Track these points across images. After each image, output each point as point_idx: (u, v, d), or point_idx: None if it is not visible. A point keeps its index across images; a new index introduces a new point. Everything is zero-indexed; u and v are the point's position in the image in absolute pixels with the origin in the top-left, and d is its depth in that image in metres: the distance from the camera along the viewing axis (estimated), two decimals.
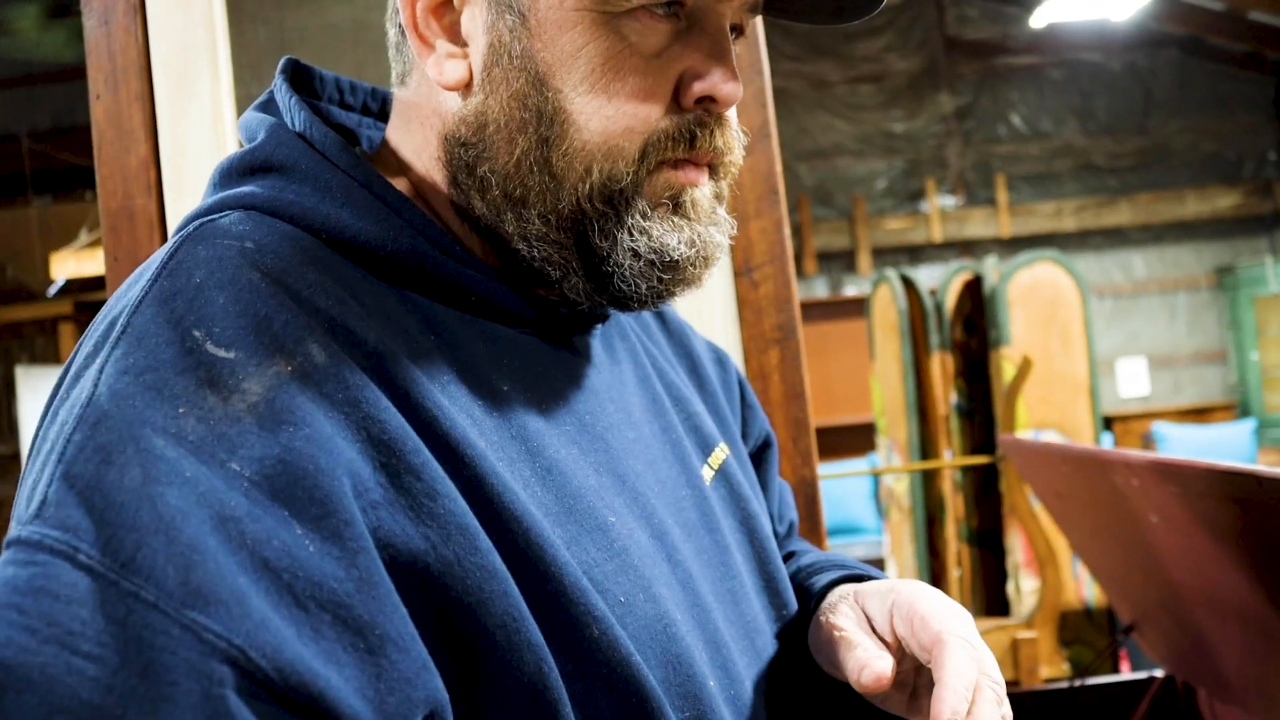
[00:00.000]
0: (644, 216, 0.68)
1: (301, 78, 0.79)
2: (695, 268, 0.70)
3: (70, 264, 7.00)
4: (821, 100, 8.71)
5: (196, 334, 0.57)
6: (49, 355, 7.92)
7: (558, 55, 0.66)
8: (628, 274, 0.69)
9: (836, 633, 0.74)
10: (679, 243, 0.68)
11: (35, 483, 0.55)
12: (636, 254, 0.68)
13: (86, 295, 7.78)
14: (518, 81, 0.67)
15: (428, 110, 0.72)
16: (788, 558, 0.95)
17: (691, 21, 0.68)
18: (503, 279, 0.71)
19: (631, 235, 0.68)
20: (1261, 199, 8.75)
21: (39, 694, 0.47)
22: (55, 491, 0.52)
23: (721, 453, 0.84)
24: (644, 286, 0.69)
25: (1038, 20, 7.65)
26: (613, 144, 0.66)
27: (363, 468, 0.56)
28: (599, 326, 0.79)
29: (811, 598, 0.81)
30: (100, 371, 0.57)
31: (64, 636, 0.48)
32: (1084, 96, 8.87)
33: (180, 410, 0.54)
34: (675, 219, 0.69)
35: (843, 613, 0.75)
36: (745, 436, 0.96)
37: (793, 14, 0.76)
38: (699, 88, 0.67)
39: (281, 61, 0.76)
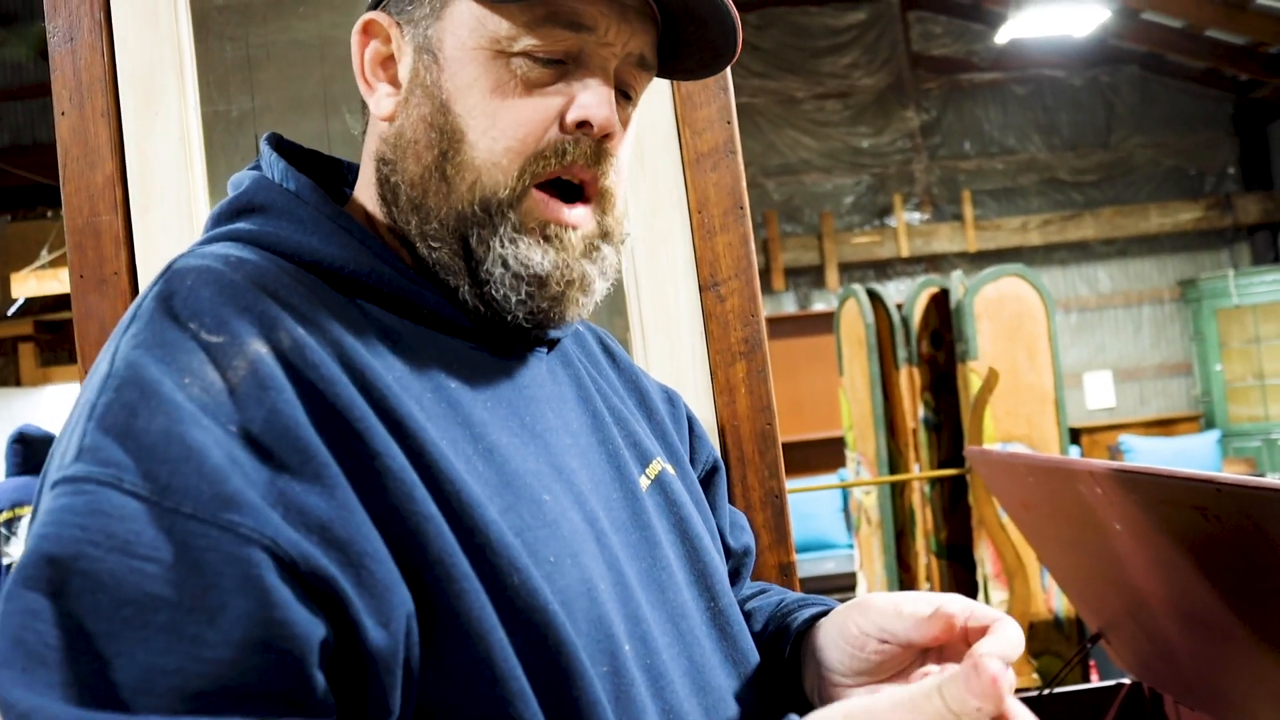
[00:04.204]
0: (515, 230, 0.78)
1: (331, 169, 0.93)
2: (561, 288, 0.80)
3: (31, 283, 6.93)
4: (789, 117, 8.76)
5: (192, 325, 0.68)
6: (8, 377, 7.81)
7: (458, 85, 0.79)
8: (498, 282, 0.79)
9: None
10: (543, 259, 0.79)
11: (68, 439, 0.65)
12: (505, 264, 0.78)
13: (47, 315, 7.67)
14: (427, 107, 0.80)
15: (371, 146, 0.85)
16: (759, 594, 1.01)
17: (577, 63, 0.79)
18: (444, 294, 0.82)
19: (503, 244, 0.78)
20: (1222, 213, 8.87)
21: (108, 592, 0.58)
22: (91, 439, 0.63)
23: (658, 465, 0.91)
24: (514, 299, 0.79)
25: (1002, 36, 7.73)
26: (495, 160, 0.78)
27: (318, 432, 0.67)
28: (544, 351, 0.89)
29: (792, 631, 0.88)
30: (115, 350, 0.68)
31: (123, 546, 0.59)
32: (1047, 112, 8.97)
33: (186, 380, 0.65)
34: (543, 244, 0.79)
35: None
36: (694, 463, 1.04)
37: (681, 73, 0.88)
38: (574, 113, 0.78)
39: (266, 134, 0.89)
